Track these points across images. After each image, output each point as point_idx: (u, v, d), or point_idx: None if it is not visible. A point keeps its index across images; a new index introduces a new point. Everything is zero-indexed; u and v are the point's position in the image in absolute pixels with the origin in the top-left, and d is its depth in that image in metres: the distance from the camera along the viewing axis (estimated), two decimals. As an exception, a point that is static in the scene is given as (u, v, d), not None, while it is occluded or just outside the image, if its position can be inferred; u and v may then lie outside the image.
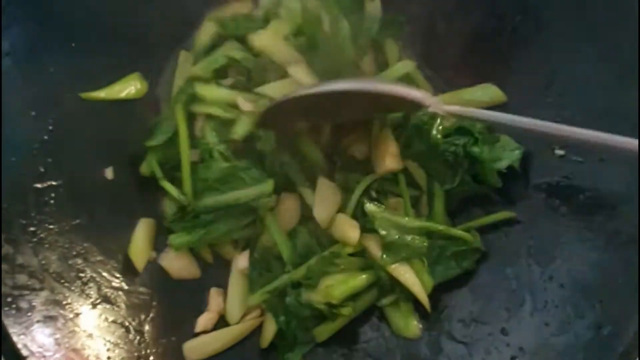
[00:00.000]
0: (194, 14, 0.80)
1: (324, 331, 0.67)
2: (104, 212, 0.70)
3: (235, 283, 0.71)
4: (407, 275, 0.66)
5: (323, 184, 0.69)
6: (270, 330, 0.68)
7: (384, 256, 0.65)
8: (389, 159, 0.67)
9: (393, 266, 0.66)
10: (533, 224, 0.68)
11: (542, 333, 0.60)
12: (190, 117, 0.73)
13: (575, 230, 0.63)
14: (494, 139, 0.67)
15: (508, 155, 0.66)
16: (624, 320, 0.54)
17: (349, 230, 0.66)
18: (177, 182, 0.71)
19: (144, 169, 0.73)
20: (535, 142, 0.69)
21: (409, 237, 0.65)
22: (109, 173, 0.72)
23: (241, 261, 0.70)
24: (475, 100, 0.70)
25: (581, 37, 0.65)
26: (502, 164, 0.66)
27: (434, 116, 0.69)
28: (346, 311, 0.65)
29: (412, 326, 0.67)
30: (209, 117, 0.72)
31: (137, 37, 0.75)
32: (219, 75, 0.75)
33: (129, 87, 0.76)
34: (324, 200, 0.69)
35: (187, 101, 0.73)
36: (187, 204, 0.69)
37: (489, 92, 0.71)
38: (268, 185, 0.66)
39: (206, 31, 0.78)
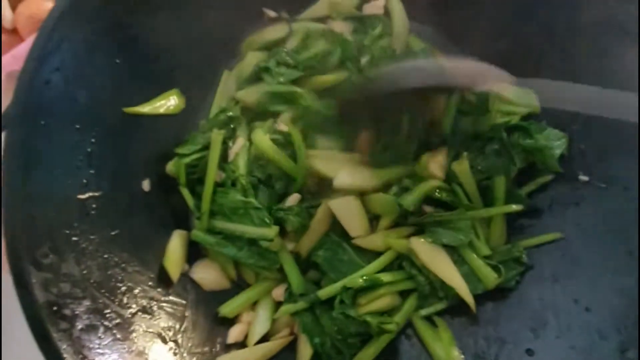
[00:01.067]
0: (232, 36, 0.83)
1: (366, 355, 0.67)
2: (141, 223, 0.72)
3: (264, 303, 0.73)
4: (454, 278, 0.67)
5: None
6: (305, 353, 0.69)
7: (430, 240, 0.67)
8: (433, 166, 0.70)
9: (436, 265, 0.67)
10: (558, 245, 0.70)
11: (569, 355, 0.61)
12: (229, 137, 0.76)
13: (600, 254, 0.66)
14: (542, 128, 0.71)
15: (557, 144, 0.70)
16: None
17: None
18: (197, 195, 0.74)
19: (170, 167, 0.75)
20: (561, 168, 0.72)
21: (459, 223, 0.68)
22: (145, 185, 0.75)
23: (277, 293, 0.71)
24: (514, 101, 0.74)
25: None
26: (556, 152, 0.70)
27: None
28: (391, 327, 0.66)
29: (454, 357, 0.68)
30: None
31: (178, 55, 0.78)
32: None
33: (168, 103, 0.78)
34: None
35: (227, 122, 0.76)
36: (198, 217, 0.71)
37: (529, 97, 0.74)
38: (271, 231, 0.67)
39: (250, 61, 0.80)
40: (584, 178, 0.70)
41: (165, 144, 0.78)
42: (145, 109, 0.75)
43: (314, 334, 0.68)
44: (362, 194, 0.71)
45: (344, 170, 0.70)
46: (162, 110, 0.78)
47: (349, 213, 0.71)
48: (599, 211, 0.68)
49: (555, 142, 0.70)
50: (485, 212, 0.72)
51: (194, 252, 0.75)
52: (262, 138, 0.72)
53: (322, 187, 0.73)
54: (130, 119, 0.74)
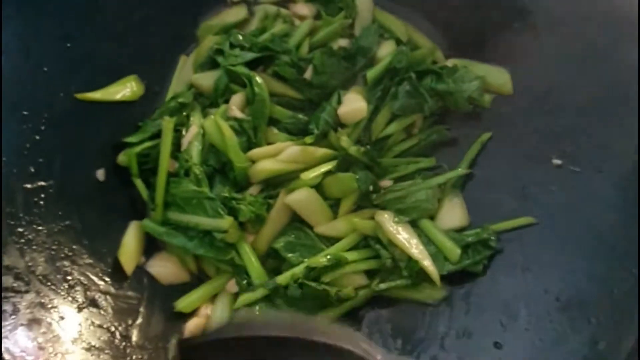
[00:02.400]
0: (193, 18, 0.80)
1: (327, 317, 0.67)
2: (95, 214, 0.69)
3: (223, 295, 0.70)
4: (417, 250, 0.66)
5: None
6: None
7: (396, 219, 0.67)
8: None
9: (403, 240, 0.66)
10: (530, 231, 0.67)
11: (537, 348, 0.58)
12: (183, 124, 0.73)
13: (572, 242, 0.62)
14: (454, 70, 0.72)
15: (468, 86, 0.71)
16: (620, 335, 0.52)
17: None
18: (151, 186, 0.71)
19: (122, 158, 0.72)
20: (533, 151, 0.69)
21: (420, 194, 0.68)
22: (100, 175, 0.72)
23: (231, 285, 0.69)
24: (486, 80, 0.72)
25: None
26: (466, 93, 0.71)
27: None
28: (349, 293, 0.66)
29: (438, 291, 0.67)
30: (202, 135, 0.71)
31: (135, 39, 0.75)
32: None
33: (125, 89, 0.76)
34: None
35: (179, 109, 0.73)
36: (153, 209, 0.69)
37: (503, 77, 0.73)
38: (224, 223, 0.65)
39: (206, 45, 0.77)
40: (557, 162, 0.67)
41: (122, 132, 0.75)
42: (98, 94, 0.72)
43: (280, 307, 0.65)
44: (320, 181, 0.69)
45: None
46: (118, 97, 0.75)
47: (309, 206, 0.68)
48: (572, 196, 0.65)
49: (466, 84, 0.71)
50: (442, 177, 0.71)
51: (153, 245, 0.72)
52: (212, 124, 0.69)
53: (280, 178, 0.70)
54: (84, 106, 0.72)
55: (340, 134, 0.69)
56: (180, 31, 0.79)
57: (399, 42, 0.78)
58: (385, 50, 0.76)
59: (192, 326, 0.68)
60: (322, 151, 0.70)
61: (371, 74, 0.73)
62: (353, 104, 0.71)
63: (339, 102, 0.72)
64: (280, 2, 0.80)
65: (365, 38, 0.76)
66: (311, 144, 0.71)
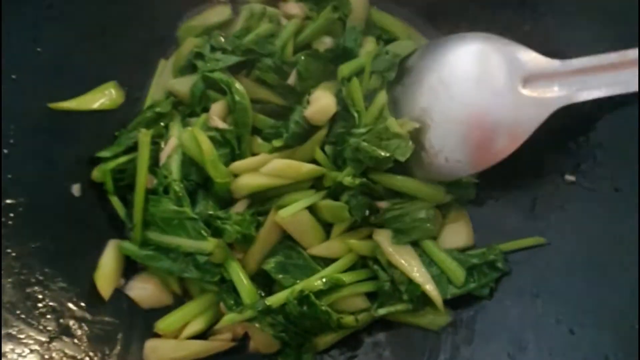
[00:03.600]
0: (174, 17, 0.74)
1: (324, 341, 0.64)
2: (69, 233, 0.64)
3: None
4: (418, 272, 0.62)
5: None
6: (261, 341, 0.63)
7: (395, 240, 0.63)
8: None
9: (403, 261, 0.62)
10: (540, 252, 0.62)
11: (549, 386, 0.53)
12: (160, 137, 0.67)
13: (586, 267, 0.57)
14: None
15: None
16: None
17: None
18: (129, 203, 0.66)
19: (95, 174, 0.67)
20: (544, 166, 0.63)
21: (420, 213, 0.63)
22: (76, 190, 0.67)
23: (224, 306, 0.64)
24: None
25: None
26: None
27: None
28: (350, 322, 0.62)
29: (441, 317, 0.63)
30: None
31: (112, 41, 0.70)
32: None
33: (103, 97, 0.70)
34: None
35: (157, 119, 0.68)
36: (131, 228, 0.64)
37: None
38: (208, 245, 0.61)
39: (187, 48, 0.71)
40: (570, 178, 0.62)
41: (100, 144, 0.70)
42: (73, 104, 0.67)
43: (277, 327, 0.62)
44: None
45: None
46: (95, 106, 0.69)
47: (301, 227, 0.64)
48: (587, 215, 0.59)
49: None
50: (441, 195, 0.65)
51: (132, 265, 0.67)
52: (189, 137, 0.64)
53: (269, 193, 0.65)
54: (58, 116, 0.66)
55: (345, 174, 0.63)
56: (161, 32, 0.74)
57: (379, 40, 0.72)
58: (365, 48, 0.71)
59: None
60: (308, 167, 0.65)
61: (344, 69, 0.67)
62: (320, 102, 0.65)
63: (308, 103, 0.67)
64: (270, 0, 0.74)
65: (349, 39, 0.70)
66: (291, 150, 0.66)
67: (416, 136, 0.63)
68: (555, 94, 0.57)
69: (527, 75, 0.58)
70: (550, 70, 0.57)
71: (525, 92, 0.58)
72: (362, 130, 0.63)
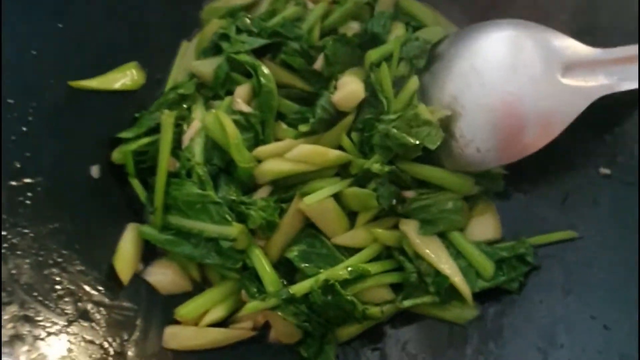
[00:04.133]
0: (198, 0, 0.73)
1: (347, 332, 0.63)
2: (88, 215, 0.63)
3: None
4: (446, 264, 0.60)
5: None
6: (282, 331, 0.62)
7: (421, 231, 0.61)
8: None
9: (430, 253, 0.60)
10: (571, 247, 0.60)
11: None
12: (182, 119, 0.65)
13: (621, 261, 0.56)
14: None
15: None
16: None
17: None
18: (150, 186, 0.64)
19: (116, 155, 0.66)
20: (577, 158, 0.62)
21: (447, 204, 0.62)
22: (95, 171, 0.65)
23: (245, 294, 0.62)
24: None
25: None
26: None
27: None
28: (375, 313, 0.60)
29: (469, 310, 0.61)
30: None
31: (135, 20, 0.68)
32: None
33: (125, 78, 0.69)
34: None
35: (180, 101, 0.66)
36: (151, 212, 0.62)
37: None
38: (233, 230, 0.59)
39: (211, 29, 0.70)
40: (605, 171, 0.60)
41: (120, 125, 0.68)
42: (94, 83, 0.65)
43: (300, 317, 0.60)
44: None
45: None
46: (117, 86, 0.68)
47: (326, 215, 0.62)
48: (622, 209, 0.58)
49: None
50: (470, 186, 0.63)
51: (151, 250, 0.66)
52: (213, 120, 0.62)
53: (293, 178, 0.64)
54: (78, 95, 0.65)
55: (373, 161, 0.61)
56: (184, 13, 0.72)
57: (408, 26, 0.71)
58: (394, 34, 0.69)
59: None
60: (335, 153, 0.63)
61: (372, 54, 0.66)
62: (348, 87, 0.64)
63: (336, 88, 0.65)
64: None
65: (377, 24, 0.68)
66: (317, 136, 0.64)
67: (446, 124, 0.62)
68: (596, 83, 0.55)
69: (567, 63, 0.56)
70: (591, 59, 0.56)
71: (565, 80, 0.56)
72: (392, 116, 0.62)
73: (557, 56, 0.57)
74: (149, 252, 0.66)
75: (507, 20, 0.62)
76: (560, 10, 0.63)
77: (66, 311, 0.57)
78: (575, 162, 0.62)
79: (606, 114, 0.59)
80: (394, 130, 0.60)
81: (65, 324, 0.56)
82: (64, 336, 0.55)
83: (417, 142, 0.60)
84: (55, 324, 0.55)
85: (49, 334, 0.54)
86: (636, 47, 0.55)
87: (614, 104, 0.58)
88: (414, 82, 0.63)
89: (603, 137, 0.60)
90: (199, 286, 0.66)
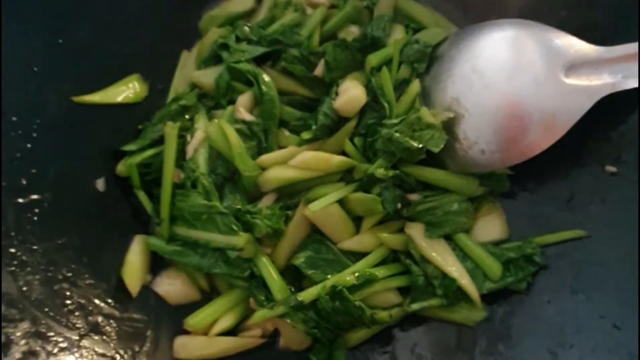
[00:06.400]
0: (196, 8, 0.73)
1: (356, 337, 0.63)
2: (95, 229, 0.63)
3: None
4: (453, 266, 0.60)
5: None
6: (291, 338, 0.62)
7: (427, 233, 0.61)
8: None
9: (437, 255, 0.60)
10: (580, 246, 0.60)
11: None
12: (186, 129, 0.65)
13: (631, 260, 0.55)
14: None
15: None
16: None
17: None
18: (155, 198, 0.65)
19: (120, 168, 0.66)
20: (583, 156, 0.61)
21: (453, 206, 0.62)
22: (100, 185, 0.65)
23: (254, 302, 0.63)
24: None
25: None
26: None
27: None
28: (384, 317, 0.60)
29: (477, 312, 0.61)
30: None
31: (134, 33, 0.68)
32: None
33: (127, 90, 0.69)
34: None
35: (182, 112, 0.66)
36: (158, 223, 0.63)
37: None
38: (240, 240, 0.60)
39: (210, 39, 0.70)
40: (611, 169, 0.60)
41: (124, 137, 0.68)
42: (97, 97, 0.65)
43: (308, 323, 0.60)
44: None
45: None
46: (119, 99, 0.68)
47: (331, 221, 0.62)
48: (629, 207, 0.57)
49: None
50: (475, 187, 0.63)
51: (159, 261, 0.66)
52: (216, 130, 0.62)
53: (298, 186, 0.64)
54: (81, 109, 0.65)
55: (376, 166, 0.61)
56: (184, 23, 0.72)
57: (408, 28, 0.70)
58: (394, 37, 0.69)
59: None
60: (338, 159, 0.63)
61: (372, 59, 0.65)
62: (349, 93, 0.63)
63: (337, 94, 0.65)
64: (294, -11, 0.72)
65: (377, 28, 0.68)
66: (320, 142, 0.65)
67: (449, 127, 0.61)
68: (601, 82, 0.55)
69: (570, 63, 0.56)
70: (595, 57, 0.55)
71: (568, 80, 0.56)
72: (394, 121, 0.61)
73: (560, 55, 0.56)
74: (157, 264, 0.66)
75: (507, 20, 0.61)
76: (561, 7, 0.63)
77: (77, 325, 0.57)
78: (581, 160, 0.62)
79: (611, 112, 0.59)
80: (397, 135, 0.60)
81: (77, 338, 0.56)
82: (76, 350, 0.56)
83: (421, 146, 0.59)
84: (67, 338, 0.56)
85: (62, 349, 0.55)
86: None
87: (619, 102, 0.58)
88: (415, 85, 0.63)
89: (608, 134, 0.60)
90: (208, 295, 0.67)
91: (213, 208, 0.60)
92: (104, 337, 0.59)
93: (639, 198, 0.55)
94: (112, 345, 0.59)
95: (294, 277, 0.65)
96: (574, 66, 0.56)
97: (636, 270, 0.54)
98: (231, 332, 0.64)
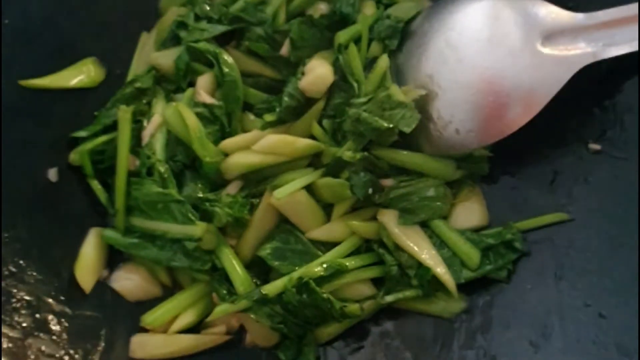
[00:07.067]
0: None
1: (327, 332, 0.59)
2: (46, 221, 0.60)
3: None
4: (427, 255, 0.56)
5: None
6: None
7: (401, 220, 0.57)
8: None
9: (411, 243, 0.56)
10: (563, 231, 0.56)
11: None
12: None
13: (616, 244, 0.52)
14: None
15: None
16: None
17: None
18: (110, 187, 0.61)
19: (73, 156, 0.62)
20: (565, 134, 0.57)
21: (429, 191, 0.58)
22: (52, 175, 0.62)
23: (217, 297, 0.59)
24: None
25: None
26: None
27: None
28: (354, 310, 0.56)
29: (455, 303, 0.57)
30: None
31: (90, 13, 0.65)
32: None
33: (81, 74, 0.65)
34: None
35: (138, 95, 0.62)
36: (113, 214, 0.59)
37: None
38: (196, 229, 0.56)
39: (169, 18, 0.66)
40: (594, 147, 0.56)
41: (81, 125, 0.64)
42: (47, 81, 0.62)
43: (274, 318, 0.56)
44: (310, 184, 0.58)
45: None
46: (73, 83, 0.64)
47: (298, 208, 0.58)
48: (614, 187, 0.54)
49: None
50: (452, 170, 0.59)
51: (117, 255, 0.62)
52: (174, 113, 0.58)
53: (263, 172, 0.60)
54: (32, 95, 0.61)
55: (344, 149, 0.57)
56: (144, 2, 0.68)
57: (379, 4, 0.66)
58: (364, 13, 0.65)
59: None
60: (304, 142, 0.59)
61: (341, 36, 0.62)
62: (315, 72, 0.60)
63: (303, 73, 0.61)
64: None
65: (346, 4, 0.64)
66: (286, 126, 0.61)
67: (422, 106, 0.58)
68: (580, 51, 0.51)
69: (547, 32, 0.52)
70: (574, 25, 0.51)
71: (546, 50, 0.52)
72: (363, 99, 0.58)
73: (537, 24, 0.53)
74: (115, 258, 0.62)
75: (483, -10, 0.58)
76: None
77: (23, 324, 0.53)
78: (563, 139, 0.58)
79: (594, 85, 0.55)
80: (365, 114, 0.56)
81: (21, 337, 0.52)
82: (19, 350, 0.52)
83: (391, 126, 0.56)
84: (11, 337, 0.52)
85: (4, 349, 0.51)
86: (622, 9, 0.50)
87: (603, 73, 0.54)
88: (384, 61, 0.59)
89: (591, 110, 0.56)
90: (170, 291, 0.63)
91: (168, 196, 0.56)
92: (53, 337, 0.55)
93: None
94: (61, 344, 0.55)
95: (261, 271, 0.61)
96: (552, 35, 0.52)
97: (623, 255, 0.51)
98: (194, 329, 0.60)
